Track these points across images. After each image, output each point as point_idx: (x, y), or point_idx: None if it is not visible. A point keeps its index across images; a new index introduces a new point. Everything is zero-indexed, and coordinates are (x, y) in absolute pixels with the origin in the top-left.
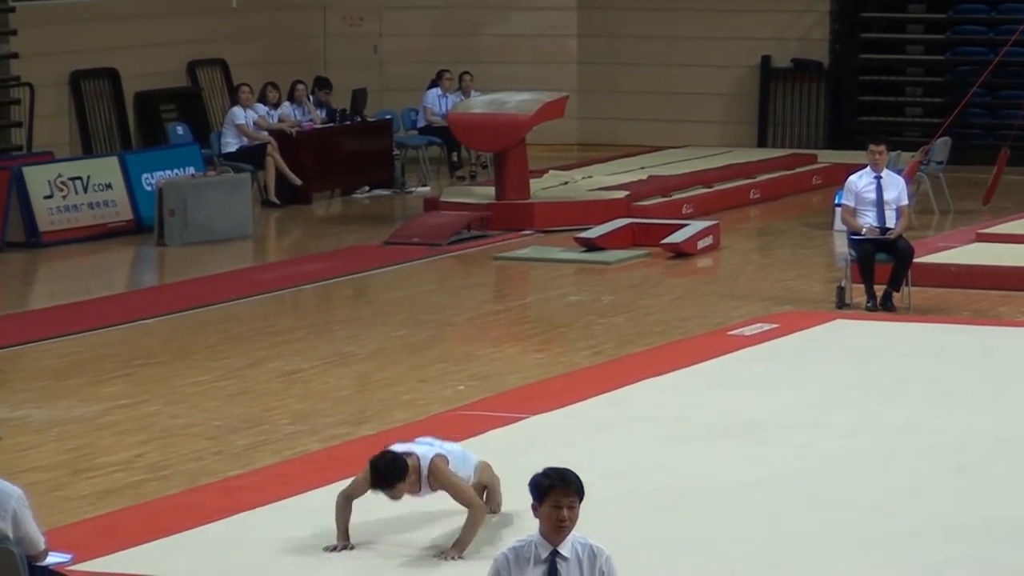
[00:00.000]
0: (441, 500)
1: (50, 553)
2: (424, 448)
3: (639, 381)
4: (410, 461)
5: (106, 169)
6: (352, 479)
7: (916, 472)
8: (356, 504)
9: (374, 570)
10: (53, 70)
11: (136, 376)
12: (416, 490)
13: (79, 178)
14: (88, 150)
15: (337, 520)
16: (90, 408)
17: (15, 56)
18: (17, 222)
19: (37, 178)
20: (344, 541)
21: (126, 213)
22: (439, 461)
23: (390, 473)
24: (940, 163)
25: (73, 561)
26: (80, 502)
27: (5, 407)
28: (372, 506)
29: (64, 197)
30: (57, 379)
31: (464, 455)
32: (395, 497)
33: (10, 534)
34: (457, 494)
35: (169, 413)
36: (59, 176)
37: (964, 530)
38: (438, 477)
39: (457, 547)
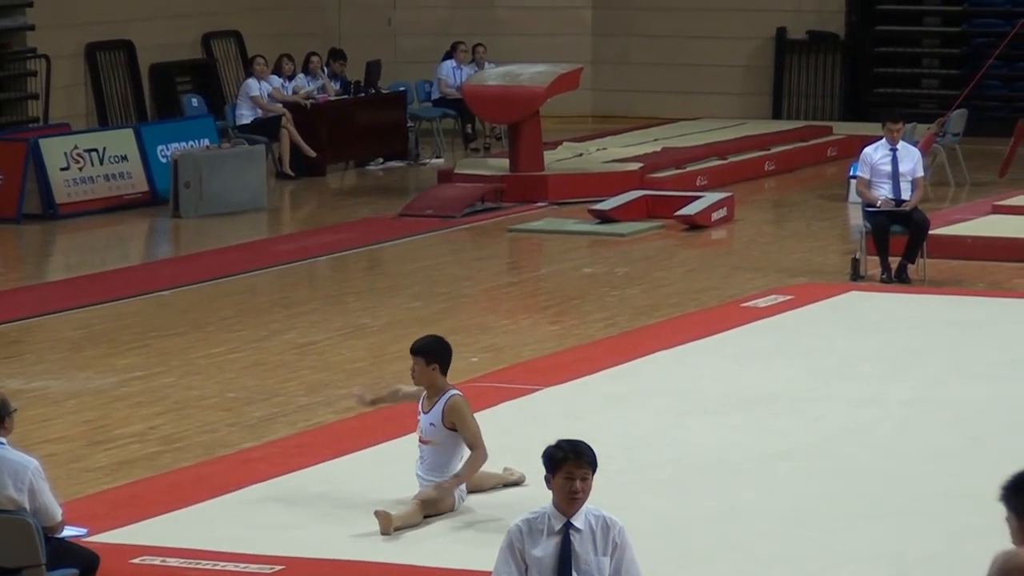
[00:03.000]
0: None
1: (66, 526)
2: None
3: (653, 353)
4: (446, 385)
5: (122, 141)
6: None
7: (931, 443)
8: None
9: (387, 539)
10: (69, 42)
11: (152, 348)
12: (428, 406)
13: (95, 150)
14: (104, 122)
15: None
16: (106, 380)
17: (31, 28)
18: (34, 194)
19: (53, 150)
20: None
21: (141, 185)
22: (462, 400)
23: (428, 341)
24: (956, 135)
25: (88, 535)
26: (96, 474)
27: (22, 378)
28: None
29: (80, 169)
30: (74, 351)
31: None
32: (412, 373)
33: (27, 505)
34: (469, 434)
35: (184, 385)
36: (75, 148)
37: (983, 501)
38: (457, 413)
39: (455, 478)
